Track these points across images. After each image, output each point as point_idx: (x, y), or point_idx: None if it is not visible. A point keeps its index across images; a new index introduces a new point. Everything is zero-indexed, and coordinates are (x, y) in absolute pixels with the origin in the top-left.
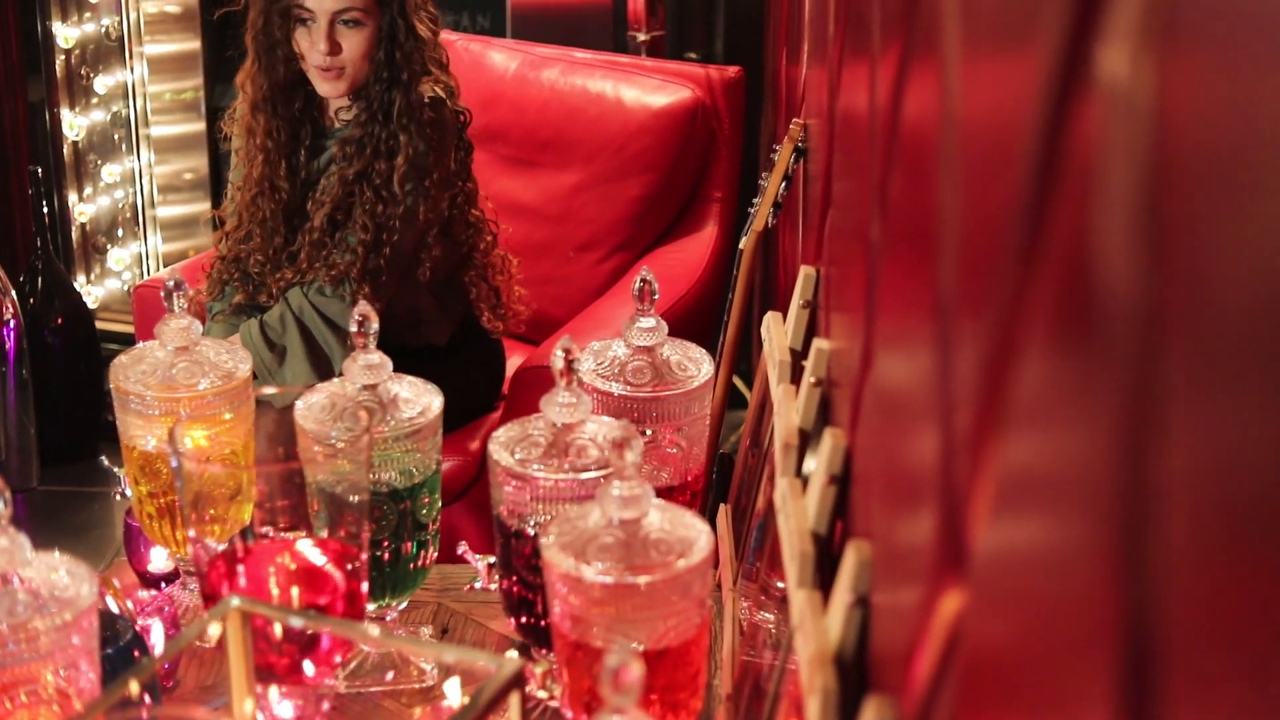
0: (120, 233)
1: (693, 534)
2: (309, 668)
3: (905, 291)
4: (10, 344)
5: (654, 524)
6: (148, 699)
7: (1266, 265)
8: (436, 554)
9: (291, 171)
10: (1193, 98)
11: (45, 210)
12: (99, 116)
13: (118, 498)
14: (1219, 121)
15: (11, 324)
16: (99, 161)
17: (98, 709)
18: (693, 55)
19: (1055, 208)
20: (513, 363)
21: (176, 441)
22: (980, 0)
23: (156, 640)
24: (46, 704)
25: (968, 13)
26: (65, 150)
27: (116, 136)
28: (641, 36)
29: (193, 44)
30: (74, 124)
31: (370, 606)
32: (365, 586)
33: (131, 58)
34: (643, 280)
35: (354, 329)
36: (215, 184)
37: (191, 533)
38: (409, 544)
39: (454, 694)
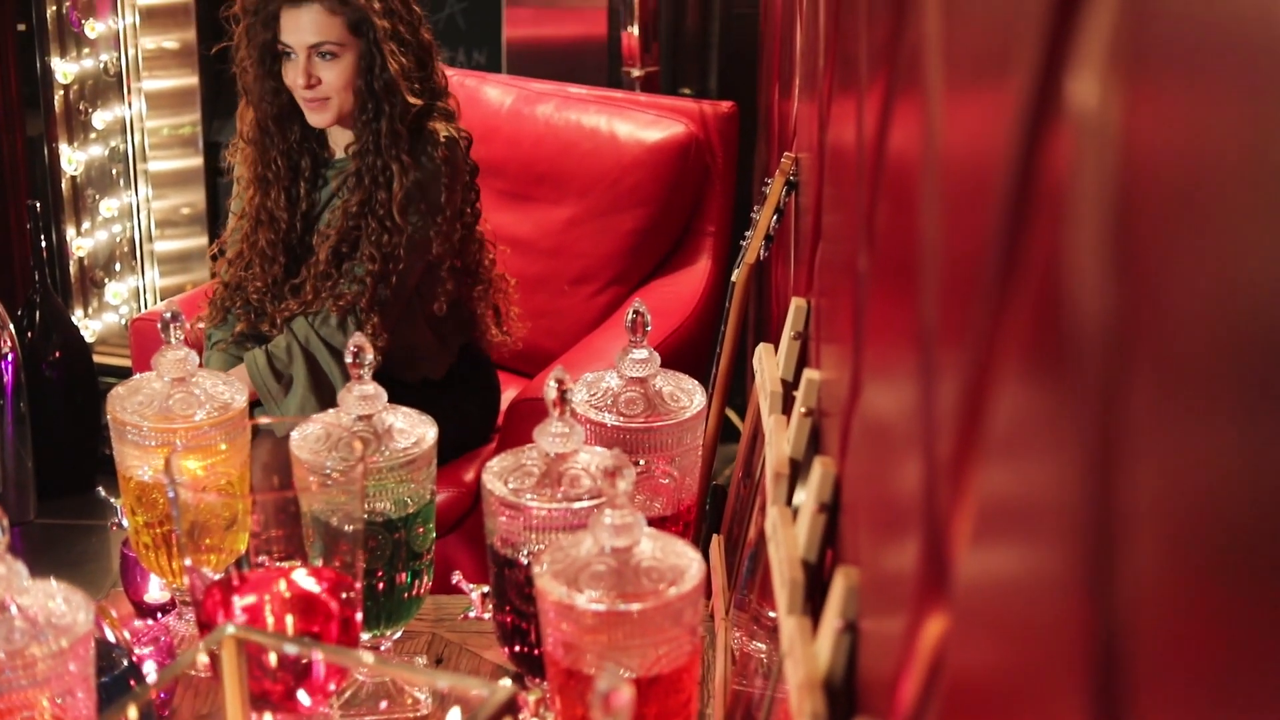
0: (118, 267)
1: (684, 562)
2: (304, 696)
3: (890, 322)
4: (8, 377)
5: (646, 552)
6: None
7: (1227, 290)
8: (431, 583)
9: (291, 202)
10: (1158, 126)
11: (43, 244)
12: (97, 151)
13: (114, 528)
14: (1183, 149)
15: (9, 357)
16: (97, 196)
17: None
18: (687, 90)
19: (1029, 236)
20: (507, 395)
21: (173, 471)
22: (960, 34)
23: (151, 670)
24: None
25: (948, 47)
26: (64, 185)
27: (114, 171)
28: (636, 72)
29: (190, 79)
30: (72, 159)
31: (365, 635)
32: (360, 615)
33: (130, 93)
34: (635, 312)
35: (349, 360)
36: (213, 219)
37: (188, 562)
38: (403, 574)
39: None
